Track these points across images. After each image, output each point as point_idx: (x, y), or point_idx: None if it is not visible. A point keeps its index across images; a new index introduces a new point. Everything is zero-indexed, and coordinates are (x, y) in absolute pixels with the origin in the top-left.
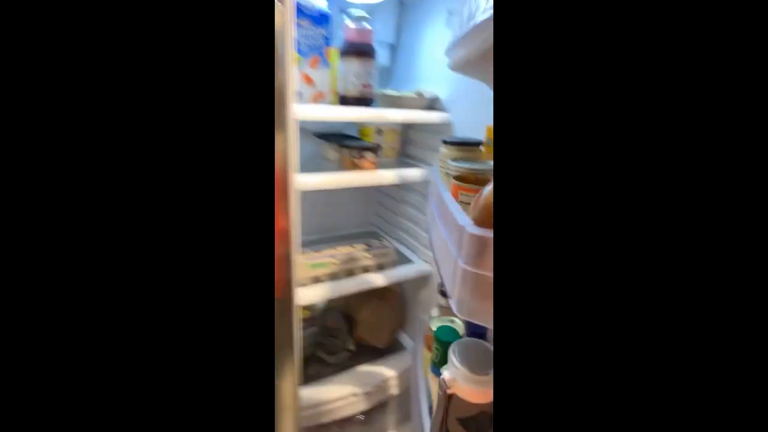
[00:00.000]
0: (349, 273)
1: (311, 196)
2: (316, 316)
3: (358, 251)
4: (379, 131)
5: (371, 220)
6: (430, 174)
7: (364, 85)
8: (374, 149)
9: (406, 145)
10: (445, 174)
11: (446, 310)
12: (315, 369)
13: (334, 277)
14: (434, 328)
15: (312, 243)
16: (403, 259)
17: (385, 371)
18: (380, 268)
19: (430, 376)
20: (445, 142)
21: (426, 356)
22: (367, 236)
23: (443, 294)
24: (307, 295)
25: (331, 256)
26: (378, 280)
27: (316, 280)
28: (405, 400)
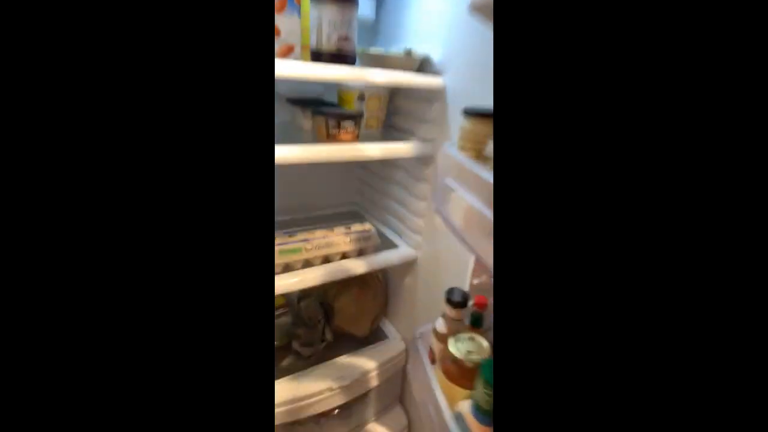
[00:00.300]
0: (326, 259)
1: (283, 171)
2: (291, 304)
3: (337, 235)
4: (362, 97)
5: (352, 198)
6: (442, 150)
7: (342, 38)
8: (355, 118)
9: (392, 115)
10: (473, 151)
11: (456, 323)
12: (289, 362)
13: (308, 264)
14: (460, 354)
15: (284, 225)
16: (387, 244)
17: (365, 362)
18: (361, 253)
19: (470, 418)
20: (471, 114)
21: (441, 378)
22: (348, 217)
23: (452, 303)
24: (276, 285)
25: (304, 241)
26: (358, 267)
27: (287, 268)
28: (385, 391)
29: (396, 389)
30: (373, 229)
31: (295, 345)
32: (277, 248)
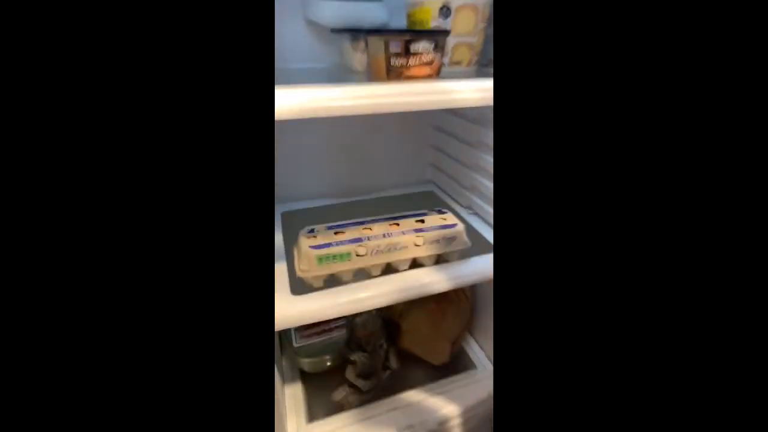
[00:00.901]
0: (389, 268)
1: (324, 137)
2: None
3: (405, 233)
4: (446, 10)
5: (426, 173)
6: None
7: None
8: (434, 38)
9: (491, 45)
10: None
11: None
12: (342, 396)
13: (361, 275)
14: None
15: (328, 214)
16: (479, 242)
17: (444, 404)
18: (441, 259)
19: None
20: None
21: None
22: (420, 201)
23: None
24: (305, 309)
25: (356, 242)
26: (436, 283)
27: (333, 281)
28: None
29: None
30: (459, 225)
31: (350, 375)
32: (314, 253)
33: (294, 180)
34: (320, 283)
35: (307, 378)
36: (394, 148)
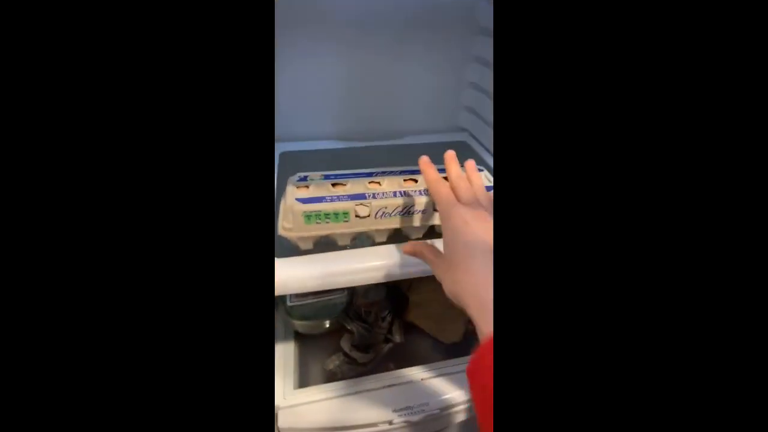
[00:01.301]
0: (398, 235)
1: (336, 63)
2: None
3: (423, 192)
4: None
5: (459, 119)
6: None
7: None
8: None
9: None
10: None
11: None
12: (336, 365)
13: (363, 240)
14: None
15: (332, 156)
16: None
17: (449, 388)
18: None
19: None
20: None
21: None
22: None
23: None
24: (280, 277)
25: (357, 199)
26: None
27: (325, 244)
28: (471, 429)
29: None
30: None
31: (345, 345)
32: (301, 209)
33: (298, 115)
34: (308, 245)
35: (301, 339)
36: (422, 82)
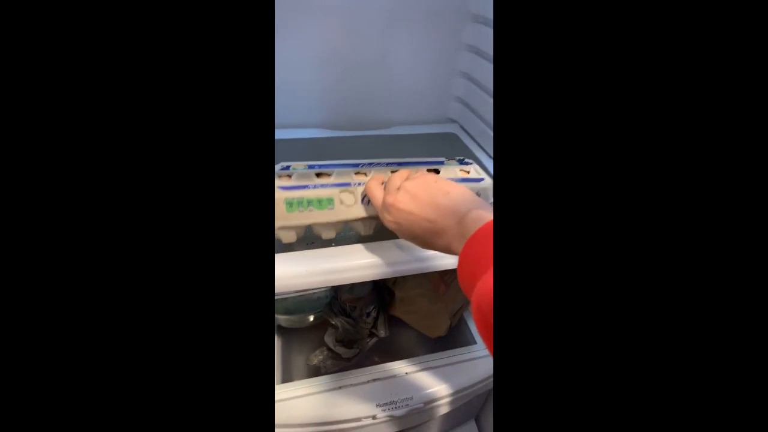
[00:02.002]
0: (384, 231)
1: (327, 50)
2: None
3: None
4: None
5: (449, 110)
6: None
7: None
8: None
9: None
10: None
11: None
12: (320, 360)
13: (346, 236)
14: None
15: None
16: None
17: (434, 382)
18: None
19: None
20: None
21: None
22: (438, 144)
23: None
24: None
25: (343, 186)
26: (444, 256)
27: (306, 237)
28: (457, 415)
29: (474, 410)
30: (486, 180)
31: (329, 340)
32: (283, 195)
33: (283, 102)
34: (291, 238)
35: (285, 333)
36: (411, 71)
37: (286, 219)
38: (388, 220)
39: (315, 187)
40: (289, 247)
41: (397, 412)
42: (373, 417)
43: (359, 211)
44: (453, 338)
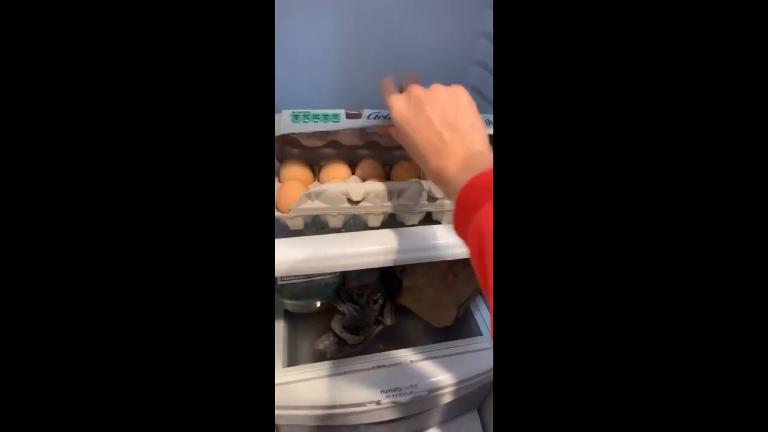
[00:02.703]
0: (393, 220)
1: (335, 31)
2: None
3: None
4: None
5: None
6: None
7: None
8: None
9: None
10: None
11: None
12: (326, 346)
13: (355, 224)
14: None
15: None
16: None
17: (438, 371)
18: None
19: None
20: None
21: None
22: None
23: None
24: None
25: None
26: (454, 245)
27: (314, 226)
28: (460, 405)
29: (477, 400)
30: None
31: (335, 326)
32: (289, 111)
33: (296, 83)
34: (299, 224)
35: (292, 318)
36: (426, 56)
37: (289, 129)
38: (400, 110)
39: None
40: (297, 234)
41: (402, 399)
42: (378, 402)
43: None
44: (459, 329)
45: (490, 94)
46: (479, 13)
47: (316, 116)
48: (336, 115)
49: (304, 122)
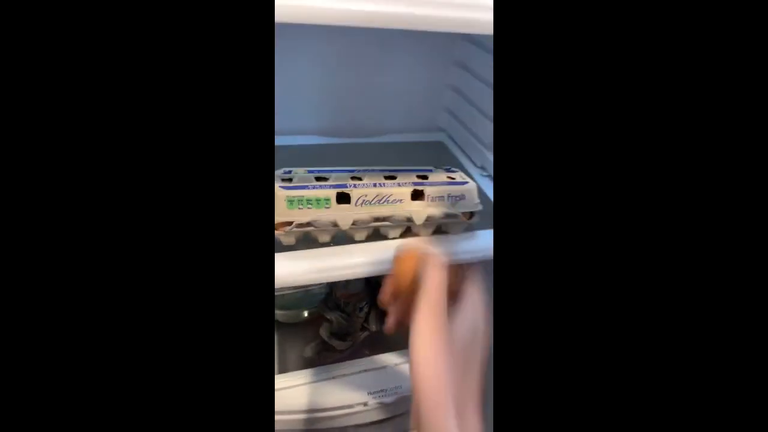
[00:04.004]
0: (377, 234)
1: (321, 62)
2: None
3: (401, 184)
4: None
5: (438, 119)
6: None
7: None
8: None
9: None
10: None
11: None
12: (314, 351)
13: (341, 240)
14: None
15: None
16: (489, 213)
17: None
18: (440, 232)
19: None
20: None
21: None
22: (425, 153)
23: None
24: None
25: (338, 188)
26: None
27: (304, 241)
28: None
29: None
30: (470, 183)
31: (324, 333)
32: (284, 194)
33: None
34: (291, 240)
35: (281, 327)
36: (403, 83)
37: (285, 215)
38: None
39: (314, 187)
40: (289, 249)
41: (387, 399)
42: (365, 404)
43: (354, 211)
44: None
45: (462, 116)
46: (450, 45)
47: (309, 200)
48: (327, 200)
49: (299, 208)
